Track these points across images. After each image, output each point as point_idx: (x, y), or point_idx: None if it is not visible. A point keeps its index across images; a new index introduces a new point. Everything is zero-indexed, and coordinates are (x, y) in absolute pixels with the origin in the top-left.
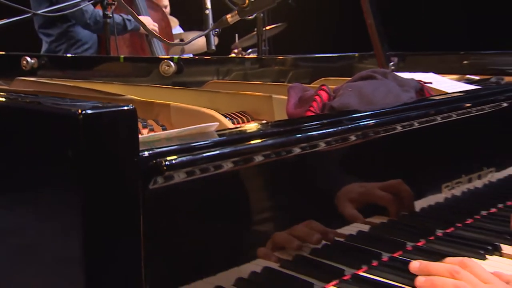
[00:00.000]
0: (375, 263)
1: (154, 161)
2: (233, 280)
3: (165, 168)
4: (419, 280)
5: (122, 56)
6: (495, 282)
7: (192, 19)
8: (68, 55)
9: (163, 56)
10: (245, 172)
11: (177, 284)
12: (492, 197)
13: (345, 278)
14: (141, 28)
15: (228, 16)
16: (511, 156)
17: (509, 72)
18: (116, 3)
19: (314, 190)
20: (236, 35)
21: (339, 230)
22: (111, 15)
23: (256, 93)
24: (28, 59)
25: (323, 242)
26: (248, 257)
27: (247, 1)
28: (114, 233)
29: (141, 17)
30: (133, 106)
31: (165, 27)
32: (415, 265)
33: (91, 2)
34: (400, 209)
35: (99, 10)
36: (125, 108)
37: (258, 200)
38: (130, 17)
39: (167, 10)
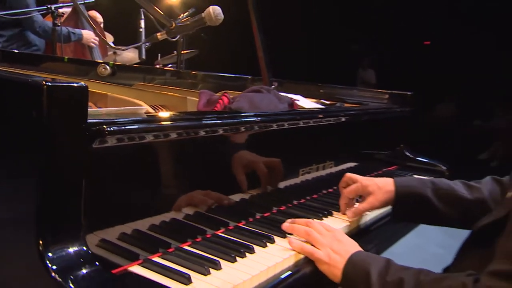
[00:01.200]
0: (251, 219)
1: (98, 127)
2: (147, 225)
3: (107, 133)
4: (284, 225)
5: (66, 57)
6: (334, 230)
7: (124, 38)
8: (16, 51)
9: (101, 61)
10: (163, 145)
11: (104, 225)
12: (331, 181)
13: (230, 228)
14: (83, 38)
15: (158, 34)
16: (345, 155)
17: (347, 100)
18: (64, 15)
19: (213, 164)
20: (159, 54)
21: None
22: (59, 25)
23: (175, 94)
24: None
25: (216, 203)
26: (160, 210)
27: (174, 25)
28: (65, 179)
29: (84, 31)
30: (85, 84)
31: (100, 36)
32: (288, 220)
33: (41, 13)
34: (272, 181)
35: (48, 22)
36: (79, 84)
37: (171, 167)
38: (74, 30)
39: (101, 26)
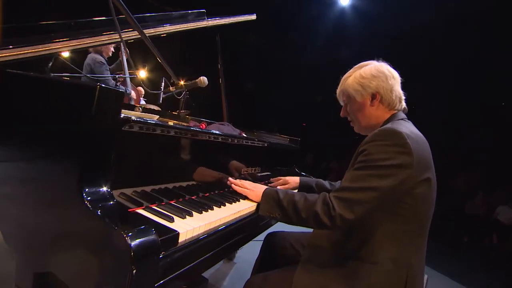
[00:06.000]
0: (213, 193)
1: (126, 117)
2: (150, 188)
3: (131, 121)
4: (233, 186)
5: None
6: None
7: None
8: None
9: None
10: (164, 139)
11: (122, 184)
12: (259, 178)
13: (199, 196)
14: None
15: (171, 88)
16: (266, 166)
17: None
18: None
19: (193, 155)
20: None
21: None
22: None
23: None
24: None
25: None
26: (158, 180)
27: (185, 84)
28: (103, 147)
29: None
30: (124, 90)
31: (137, 97)
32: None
33: (108, 77)
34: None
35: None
36: (119, 89)
37: (167, 154)
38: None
39: (142, 92)
